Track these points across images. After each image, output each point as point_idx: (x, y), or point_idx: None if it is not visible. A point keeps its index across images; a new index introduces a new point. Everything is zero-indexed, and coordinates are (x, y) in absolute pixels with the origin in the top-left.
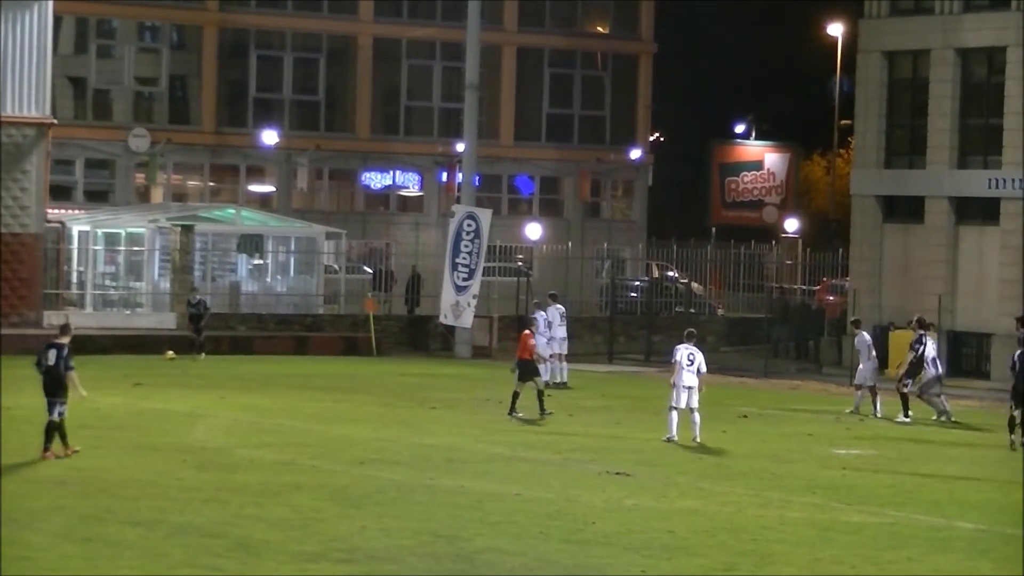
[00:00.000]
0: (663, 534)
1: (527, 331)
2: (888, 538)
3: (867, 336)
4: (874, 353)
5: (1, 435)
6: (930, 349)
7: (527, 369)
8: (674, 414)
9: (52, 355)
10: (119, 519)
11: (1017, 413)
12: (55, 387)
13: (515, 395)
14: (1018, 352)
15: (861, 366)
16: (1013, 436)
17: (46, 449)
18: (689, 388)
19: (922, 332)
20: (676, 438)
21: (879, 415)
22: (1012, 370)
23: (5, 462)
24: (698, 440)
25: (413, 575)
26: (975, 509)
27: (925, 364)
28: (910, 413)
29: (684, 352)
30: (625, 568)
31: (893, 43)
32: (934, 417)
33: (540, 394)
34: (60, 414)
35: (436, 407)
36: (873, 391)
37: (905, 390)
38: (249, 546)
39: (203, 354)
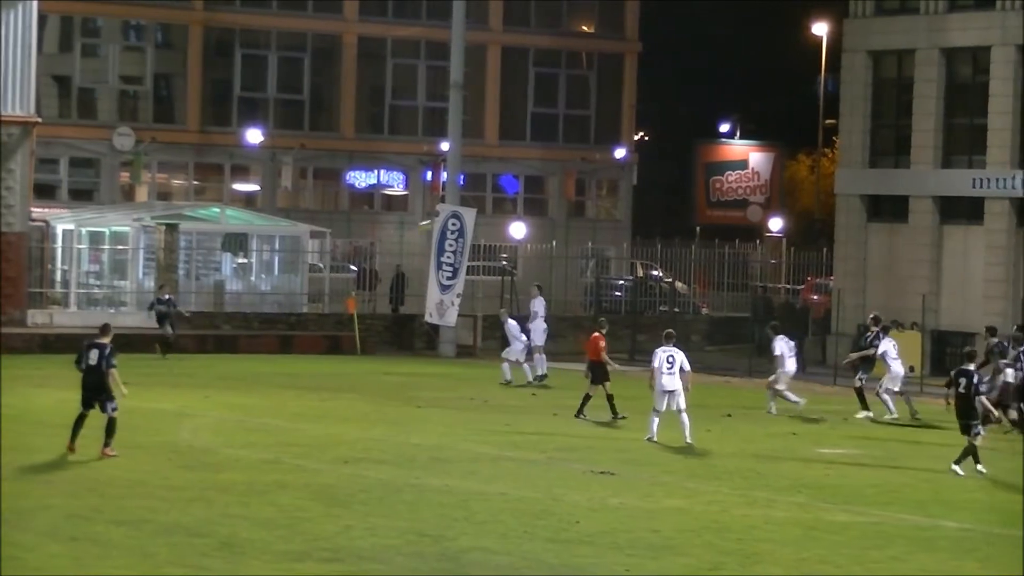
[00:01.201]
0: (648, 533)
1: (596, 333)
2: (873, 537)
3: (783, 342)
4: (792, 356)
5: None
6: (889, 346)
7: (599, 372)
8: (655, 417)
9: (94, 355)
10: (106, 518)
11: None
12: (98, 386)
13: (586, 397)
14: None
15: (782, 369)
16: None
17: (106, 445)
18: (671, 392)
19: (877, 329)
20: (656, 438)
21: (774, 412)
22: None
23: None
24: (689, 440)
25: (399, 574)
26: (960, 508)
27: (887, 361)
28: (868, 407)
29: (663, 356)
30: (610, 567)
31: (878, 43)
32: (913, 415)
33: (610, 398)
34: (113, 409)
35: (422, 406)
36: (775, 392)
37: (858, 384)
38: (235, 545)
39: (166, 354)
